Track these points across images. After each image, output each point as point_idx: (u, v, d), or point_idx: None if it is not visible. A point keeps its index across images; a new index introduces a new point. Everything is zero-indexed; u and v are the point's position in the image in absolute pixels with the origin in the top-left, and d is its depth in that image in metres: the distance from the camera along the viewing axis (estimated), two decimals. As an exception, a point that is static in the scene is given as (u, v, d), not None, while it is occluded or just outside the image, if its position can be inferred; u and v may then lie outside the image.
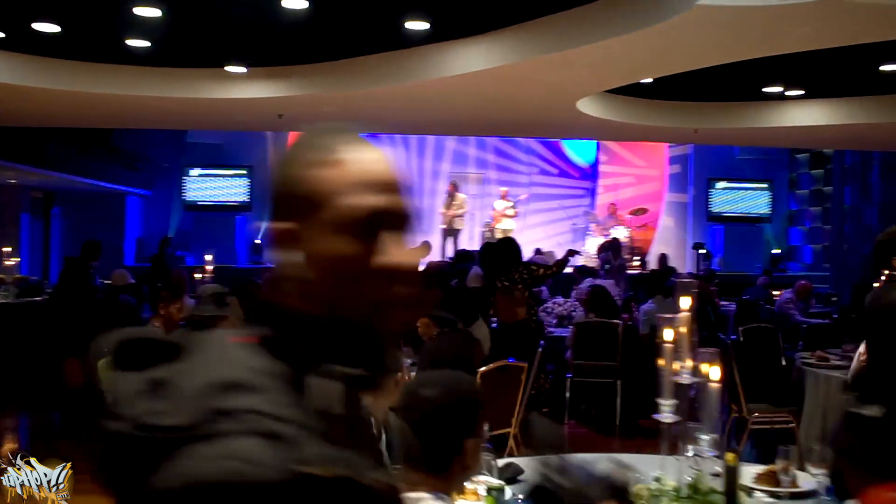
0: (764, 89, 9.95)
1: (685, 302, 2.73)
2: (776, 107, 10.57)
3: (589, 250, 16.76)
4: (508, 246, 7.44)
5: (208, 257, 9.06)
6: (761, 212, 17.00)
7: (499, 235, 16.41)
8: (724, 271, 15.11)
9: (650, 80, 8.92)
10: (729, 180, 16.98)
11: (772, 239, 17.03)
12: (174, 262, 13.46)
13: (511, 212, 16.48)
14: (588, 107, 9.72)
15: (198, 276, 8.93)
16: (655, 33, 6.62)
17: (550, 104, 9.77)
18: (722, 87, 9.82)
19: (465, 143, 17.92)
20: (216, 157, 16.01)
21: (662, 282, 8.65)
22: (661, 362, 2.65)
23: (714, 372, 2.63)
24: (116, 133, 14.86)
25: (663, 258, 13.98)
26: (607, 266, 11.75)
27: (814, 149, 15.46)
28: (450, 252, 15.40)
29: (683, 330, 2.68)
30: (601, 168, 18.34)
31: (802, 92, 9.71)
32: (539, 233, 17.69)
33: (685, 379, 2.69)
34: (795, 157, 17.80)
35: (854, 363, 5.45)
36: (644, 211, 17.11)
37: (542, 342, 5.81)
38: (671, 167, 17.85)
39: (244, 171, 15.92)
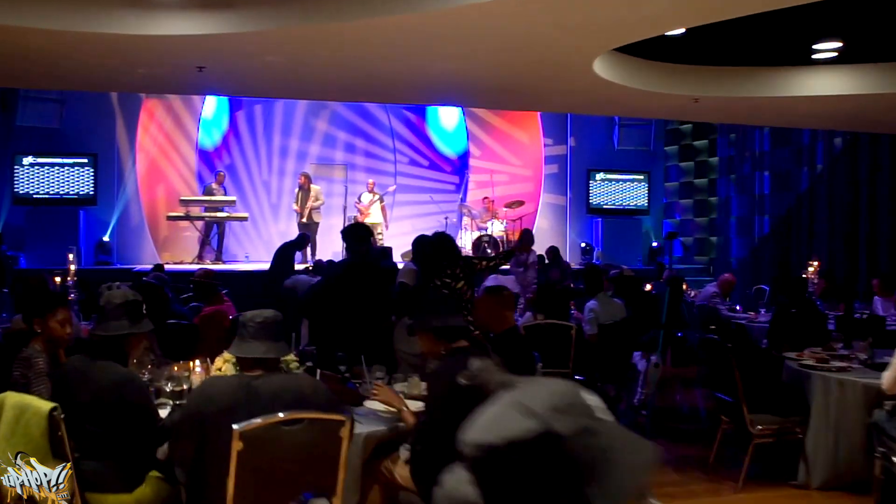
0: (814, 47, 8.70)
1: None
2: (800, 73, 9.44)
3: (465, 245, 15.96)
4: (445, 240, 6.48)
5: (70, 256, 7.44)
6: (639, 204, 16.70)
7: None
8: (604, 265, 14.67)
9: (682, 30, 7.66)
10: (607, 171, 16.57)
11: (651, 231, 16.77)
12: (8, 262, 11.51)
13: (378, 205, 15.42)
14: (599, 67, 8.40)
15: (58, 279, 7.35)
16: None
17: (568, 57, 8.11)
18: (735, 49, 8.77)
19: (336, 125, 16.87)
20: (53, 143, 13.93)
21: (602, 277, 7.85)
22: None
23: None
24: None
25: (554, 251, 13.27)
26: (521, 268, 10.60)
27: (831, 129, 13.64)
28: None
29: None
30: (472, 162, 17.51)
31: (836, 54, 8.74)
32: (406, 226, 16.78)
33: None
34: (665, 150, 17.67)
35: (892, 367, 4.75)
36: (521, 203, 16.45)
37: (536, 353, 4.79)
38: (547, 167, 17.13)
39: (87, 160, 13.96)
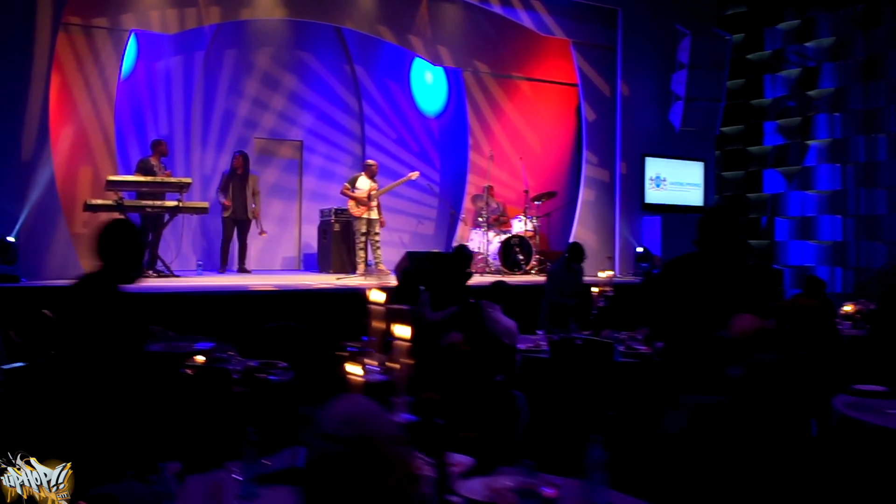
0: None
1: None
2: None
3: (481, 250, 12.38)
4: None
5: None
6: (696, 199, 13.55)
7: (364, 227, 11.22)
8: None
9: None
10: (664, 157, 13.30)
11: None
12: None
13: (375, 193, 11.18)
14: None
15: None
16: None
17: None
18: None
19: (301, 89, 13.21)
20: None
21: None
22: None
23: None
24: None
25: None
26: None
27: None
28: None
29: None
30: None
31: None
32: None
33: None
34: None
35: None
36: (553, 195, 13.01)
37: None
38: (585, 192, 13.34)
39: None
